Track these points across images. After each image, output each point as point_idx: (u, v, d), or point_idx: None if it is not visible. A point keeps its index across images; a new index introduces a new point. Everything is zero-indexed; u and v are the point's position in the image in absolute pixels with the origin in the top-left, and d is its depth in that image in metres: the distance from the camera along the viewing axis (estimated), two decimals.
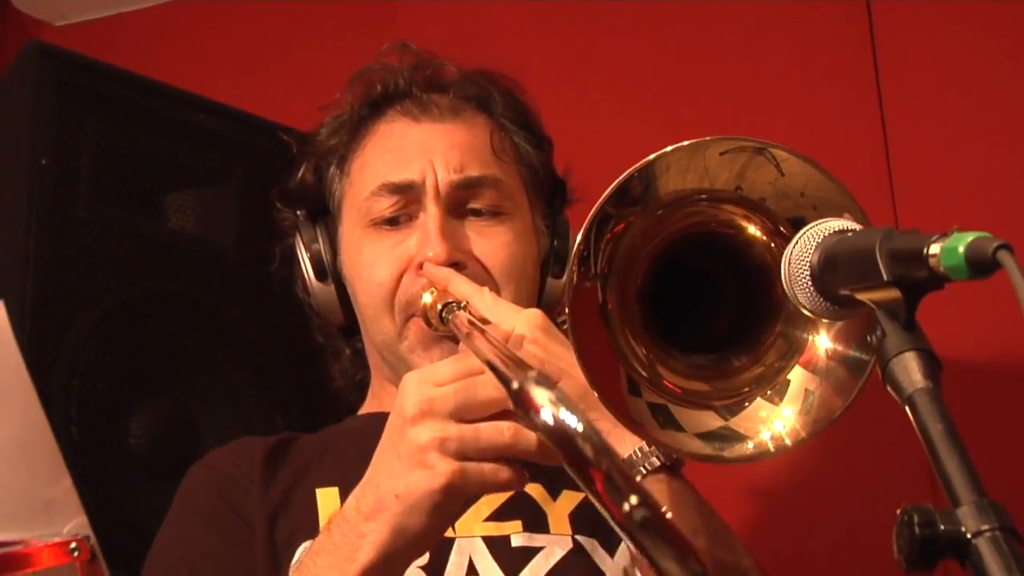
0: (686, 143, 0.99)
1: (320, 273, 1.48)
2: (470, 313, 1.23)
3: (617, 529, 0.71)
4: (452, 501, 0.96)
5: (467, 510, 1.00)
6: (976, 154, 1.94)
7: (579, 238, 1.00)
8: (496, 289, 1.35)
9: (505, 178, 1.43)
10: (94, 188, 1.69)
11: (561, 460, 0.77)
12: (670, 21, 2.21)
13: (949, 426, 0.72)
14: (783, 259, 0.92)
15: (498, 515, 1.28)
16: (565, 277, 1.26)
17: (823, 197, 0.98)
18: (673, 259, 1.07)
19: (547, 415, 0.77)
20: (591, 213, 1.00)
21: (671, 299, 1.09)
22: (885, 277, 0.77)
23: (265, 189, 1.59)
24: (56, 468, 0.92)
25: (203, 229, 1.84)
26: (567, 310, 1.01)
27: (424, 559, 1.20)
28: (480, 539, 1.26)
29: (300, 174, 1.52)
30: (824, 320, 1.02)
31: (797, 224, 0.92)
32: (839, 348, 1.02)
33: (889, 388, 0.76)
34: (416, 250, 1.38)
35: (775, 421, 1.03)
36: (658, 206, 1.02)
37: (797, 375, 1.04)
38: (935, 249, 0.73)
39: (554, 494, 1.32)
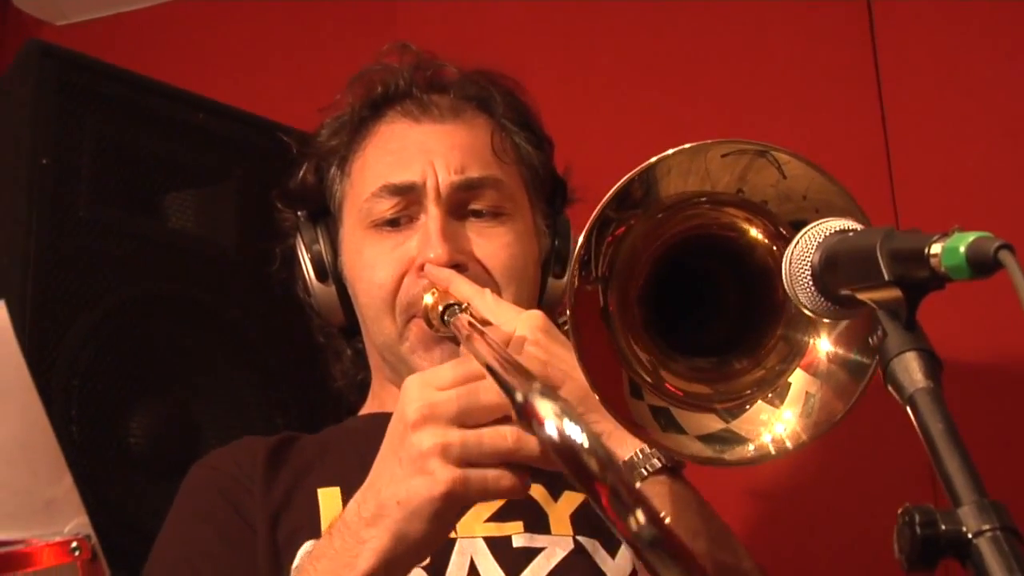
0: (687, 146, 0.98)
1: (321, 274, 1.48)
2: (471, 315, 1.23)
3: (624, 541, 0.70)
4: (453, 508, 0.95)
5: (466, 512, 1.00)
6: (976, 154, 1.94)
7: (580, 242, 1.00)
8: (497, 290, 1.35)
9: (506, 179, 1.43)
10: (94, 188, 1.69)
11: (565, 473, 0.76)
12: (670, 21, 2.21)
13: (950, 426, 0.72)
14: (784, 259, 0.92)
15: (499, 516, 1.28)
16: (566, 280, 1.26)
17: (825, 200, 0.98)
18: (674, 262, 1.06)
19: (552, 428, 0.75)
20: (592, 217, 1.00)
21: (672, 302, 1.09)
22: (886, 277, 0.77)
23: (265, 189, 1.59)
24: (57, 467, 0.92)
25: (203, 229, 1.84)
26: (568, 314, 1.01)
27: (425, 559, 1.20)
28: (481, 539, 1.26)
29: (301, 175, 1.52)
30: (825, 322, 1.02)
31: (799, 227, 0.92)
32: (840, 351, 1.02)
33: (890, 388, 0.76)
34: (417, 251, 1.38)
35: (776, 424, 1.03)
36: (659, 209, 1.02)
37: (798, 378, 1.04)
38: (936, 249, 0.73)
39: (555, 495, 1.32)
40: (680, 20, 2.21)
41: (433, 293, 1.33)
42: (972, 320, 1.71)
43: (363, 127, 1.48)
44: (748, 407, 1.05)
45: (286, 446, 1.39)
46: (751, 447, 1.03)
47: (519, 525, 1.28)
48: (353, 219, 1.45)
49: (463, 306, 1.26)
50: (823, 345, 1.03)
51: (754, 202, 1.01)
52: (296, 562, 1.24)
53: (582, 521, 1.30)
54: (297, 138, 1.56)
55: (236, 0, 2.59)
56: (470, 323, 1.16)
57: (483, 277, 1.37)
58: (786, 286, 0.91)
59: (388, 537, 0.96)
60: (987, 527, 0.66)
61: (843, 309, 0.89)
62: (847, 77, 2.05)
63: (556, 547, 1.27)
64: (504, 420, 0.94)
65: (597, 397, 1.02)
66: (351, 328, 1.52)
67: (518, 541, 1.27)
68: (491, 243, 1.40)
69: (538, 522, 1.29)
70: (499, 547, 1.26)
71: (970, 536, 0.66)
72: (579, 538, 1.28)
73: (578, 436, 0.73)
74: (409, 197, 1.40)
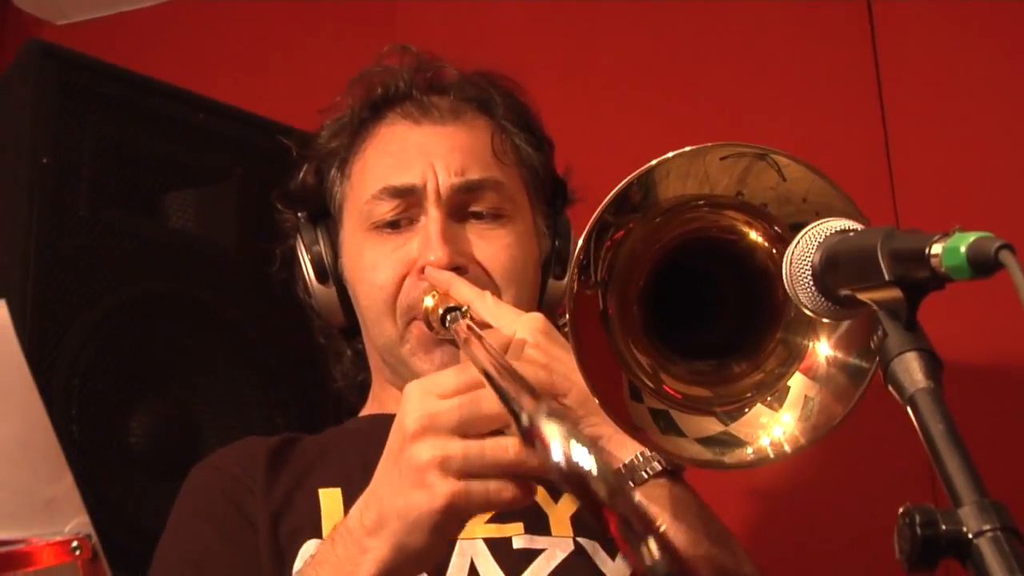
0: (686, 149, 0.98)
1: (321, 275, 1.48)
2: (471, 318, 1.23)
3: (632, 567, 0.69)
4: (453, 520, 0.95)
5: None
6: (977, 154, 1.94)
7: (579, 246, 1.00)
8: (497, 292, 1.35)
9: (506, 180, 1.43)
10: (94, 188, 1.69)
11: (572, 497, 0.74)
12: (670, 21, 2.21)
13: (950, 426, 0.72)
14: (784, 259, 0.92)
15: (500, 517, 1.28)
16: (566, 285, 1.26)
17: (825, 203, 0.97)
18: (674, 265, 1.06)
19: (558, 453, 0.72)
20: (591, 221, 1.00)
21: (672, 305, 1.08)
22: (887, 277, 0.77)
23: (265, 189, 1.59)
24: (58, 467, 0.92)
25: (203, 229, 1.84)
26: (568, 318, 1.01)
27: (429, 568, 1.20)
28: (482, 541, 1.26)
29: (301, 176, 1.52)
30: (825, 325, 1.02)
31: (799, 230, 0.92)
32: (839, 355, 1.02)
33: (891, 388, 0.76)
34: (418, 254, 1.38)
35: (775, 427, 1.03)
36: (658, 212, 1.02)
37: (797, 381, 1.04)
38: (937, 249, 0.73)
39: (556, 496, 1.32)
40: (680, 20, 2.21)
41: (434, 296, 1.33)
42: (972, 320, 1.71)
43: (363, 129, 1.48)
44: (747, 410, 1.05)
45: (287, 447, 1.39)
46: (750, 450, 1.03)
47: (519, 526, 1.28)
48: (353, 221, 1.45)
49: (463, 309, 1.26)
50: (822, 349, 1.03)
51: (754, 205, 1.01)
52: (297, 565, 1.24)
53: (582, 523, 1.30)
54: (297, 139, 1.56)
55: (236, 0, 2.59)
56: (469, 327, 1.16)
57: (483, 279, 1.37)
58: (787, 286, 0.91)
59: (389, 548, 0.96)
60: (988, 527, 0.66)
61: (843, 309, 0.89)
62: (847, 77, 2.05)
63: (556, 548, 1.26)
64: (508, 427, 0.93)
65: (597, 401, 1.01)
66: (351, 329, 1.52)
67: (518, 542, 1.26)
68: (491, 245, 1.40)
69: (538, 523, 1.29)
70: (499, 548, 1.25)
71: (971, 536, 0.66)
72: (579, 539, 1.28)
73: (586, 461, 0.71)
74: (409, 199, 1.40)
